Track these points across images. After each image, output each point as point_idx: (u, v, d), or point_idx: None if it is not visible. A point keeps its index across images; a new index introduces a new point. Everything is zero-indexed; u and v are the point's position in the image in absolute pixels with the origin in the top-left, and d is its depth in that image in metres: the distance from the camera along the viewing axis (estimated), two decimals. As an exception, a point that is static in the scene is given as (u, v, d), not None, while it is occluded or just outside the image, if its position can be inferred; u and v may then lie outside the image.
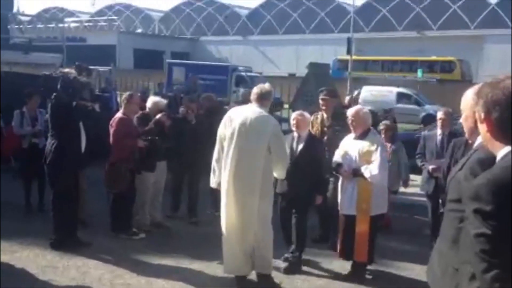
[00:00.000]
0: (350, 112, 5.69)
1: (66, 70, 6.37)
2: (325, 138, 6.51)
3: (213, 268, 5.63)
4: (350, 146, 5.64)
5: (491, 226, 1.88)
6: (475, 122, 2.20)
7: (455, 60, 36.25)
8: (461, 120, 2.55)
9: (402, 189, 7.87)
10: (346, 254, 5.62)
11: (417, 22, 45.81)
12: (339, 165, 5.69)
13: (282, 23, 52.72)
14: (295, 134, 5.96)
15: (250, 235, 5.10)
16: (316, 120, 6.73)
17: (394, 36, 45.15)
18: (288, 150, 5.66)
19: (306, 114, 6.02)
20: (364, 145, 5.50)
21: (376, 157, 5.41)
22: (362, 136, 5.58)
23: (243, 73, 29.55)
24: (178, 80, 25.24)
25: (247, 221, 5.08)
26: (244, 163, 5.03)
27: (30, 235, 6.43)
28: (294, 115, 6.01)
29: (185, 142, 7.32)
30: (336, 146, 5.92)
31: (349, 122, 5.62)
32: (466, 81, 31.21)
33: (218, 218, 5.42)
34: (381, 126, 7.57)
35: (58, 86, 6.02)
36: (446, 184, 2.64)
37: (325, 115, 6.62)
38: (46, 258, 5.76)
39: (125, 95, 6.91)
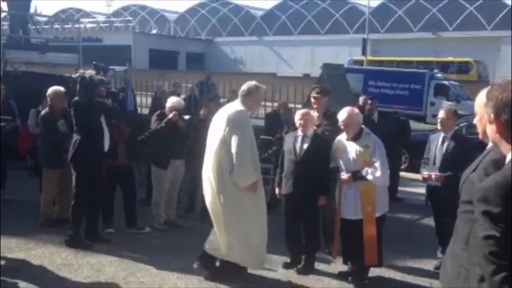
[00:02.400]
0: (341, 116, 5.43)
1: (88, 71, 6.50)
2: None
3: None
4: (344, 148, 5.43)
5: (500, 228, 1.87)
6: None
7: (471, 61, 35.91)
8: (474, 121, 2.54)
9: (405, 189, 7.81)
10: (350, 259, 5.53)
11: (433, 23, 45.44)
12: (335, 169, 5.53)
13: (297, 24, 52.63)
14: (300, 133, 5.78)
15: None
16: None
17: (410, 37, 44.83)
18: (288, 148, 5.69)
19: (312, 113, 5.90)
20: (360, 146, 5.32)
21: (376, 158, 5.25)
22: (355, 137, 5.39)
23: (445, 82, 23.85)
24: (354, 88, 21.53)
25: (215, 221, 5.31)
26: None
27: (47, 233, 6.51)
28: (299, 114, 5.80)
29: (203, 143, 7.32)
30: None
31: (342, 126, 5.44)
32: (483, 82, 30.90)
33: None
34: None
35: (77, 85, 6.27)
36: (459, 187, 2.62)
37: (316, 114, 6.27)
38: (61, 256, 5.83)
39: None
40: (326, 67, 10.42)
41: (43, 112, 7.15)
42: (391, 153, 9.19)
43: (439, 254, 5.75)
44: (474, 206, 2.12)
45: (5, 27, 17.24)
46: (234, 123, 5.11)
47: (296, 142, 5.74)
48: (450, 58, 36.91)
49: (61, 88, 7.13)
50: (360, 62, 36.06)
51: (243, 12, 56.55)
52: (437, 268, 5.51)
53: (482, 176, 2.25)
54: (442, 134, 5.92)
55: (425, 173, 5.88)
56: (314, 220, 5.80)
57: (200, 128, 7.47)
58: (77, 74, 6.47)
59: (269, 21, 54.48)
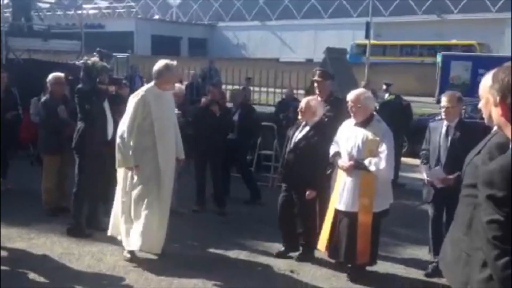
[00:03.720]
0: (350, 96, 5.04)
1: (92, 58, 6.47)
2: None
3: (230, 254, 5.66)
4: (350, 134, 5.04)
5: (504, 213, 1.86)
6: None
7: (475, 44, 35.61)
8: (480, 105, 2.50)
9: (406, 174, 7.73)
10: (340, 255, 5.14)
11: (437, 6, 45.00)
12: (336, 154, 5.19)
13: (300, 8, 52.20)
14: (303, 122, 5.57)
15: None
16: None
17: (414, 20, 44.45)
18: (289, 138, 5.63)
19: (313, 102, 5.55)
20: (368, 133, 4.92)
21: (383, 148, 4.85)
22: (364, 124, 4.99)
23: None
24: (459, 78, 20.22)
25: None
26: None
27: (48, 222, 6.52)
28: (302, 102, 5.59)
29: (206, 132, 7.30)
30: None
31: (349, 107, 5.03)
32: (487, 66, 30.63)
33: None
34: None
35: (81, 73, 6.31)
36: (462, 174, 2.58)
37: (319, 99, 5.98)
38: (63, 245, 5.85)
39: None
40: (329, 51, 10.34)
41: (43, 98, 7.14)
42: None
43: (432, 258, 5.37)
44: (477, 190, 2.10)
45: (7, 14, 17.18)
46: (128, 106, 5.30)
47: (296, 132, 5.59)
48: (454, 41, 36.64)
49: (61, 74, 7.13)
50: (363, 46, 35.82)
51: (245, -4, 56.11)
52: (428, 275, 5.29)
53: (486, 159, 2.23)
54: (445, 123, 5.24)
55: (427, 178, 5.24)
56: (307, 209, 5.56)
57: (201, 116, 7.44)
58: (81, 61, 6.45)
59: (272, 5, 54.04)
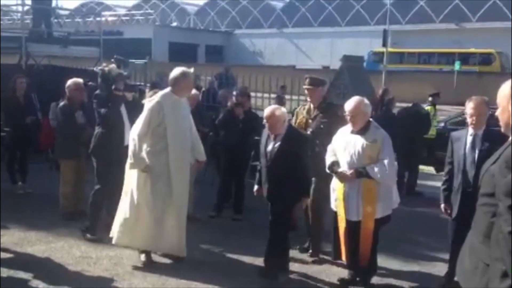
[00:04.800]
0: (348, 106, 4.87)
1: (110, 65, 6.55)
2: (309, 131, 5.81)
3: (246, 260, 5.67)
4: (348, 142, 4.89)
5: None
6: None
7: (494, 52, 35.36)
8: (497, 113, 2.49)
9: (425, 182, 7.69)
10: (354, 262, 5.07)
11: (455, 14, 44.76)
12: (334, 164, 5.01)
13: (317, 15, 52.30)
14: (272, 135, 5.24)
15: None
16: (302, 110, 6.09)
17: (432, 28, 44.24)
18: (262, 150, 5.28)
19: (277, 111, 5.14)
20: (367, 140, 4.79)
21: (384, 154, 4.75)
22: (362, 131, 4.84)
23: None
24: None
25: None
26: None
27: (66, 226, 6.58)
28: (266, 113, 5.17)
29: (232, 137, 7.35)
30: (320, 140, 5.50)
31: (348, 117, 4.88)
32: (506, 74, 30.39)
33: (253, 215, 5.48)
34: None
35: (98, 79, 6.41)
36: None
37: (311, 106, 5.91)
38: (81, 249, 5.89)
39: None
40: (346, 59, 10.33)
41: (61, 103, 7.23)
42: (410, 147, 9.20)
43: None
44: (495, 199, 2.08)
45: (27, 21, 17.44)
46: (144, 110, 5.37)
47: (268, 145, 5.24)
48: (472, 49, 36.42)
49: (80, 80, 7.21)
50: (380, 54, 35.74)
51: (263, 4, 56.34)
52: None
53: (503, 169, 2.20)
54: (470, 132, 4.79)
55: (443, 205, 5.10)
56: (279, 233, 5.23)
57: (229, 120, 7.47)
58: (99, 68, 6.54)
59: (289, 13, 54.22)
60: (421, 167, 9.86)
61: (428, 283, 5.45)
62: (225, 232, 6.74)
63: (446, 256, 5.85)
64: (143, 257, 5.50)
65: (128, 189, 5.52)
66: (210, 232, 6.72)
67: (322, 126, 5.64)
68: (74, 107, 7.06)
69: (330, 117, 5.62)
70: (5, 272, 5.20)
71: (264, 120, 5.19)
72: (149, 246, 5.51)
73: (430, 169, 10.96)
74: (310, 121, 5.86)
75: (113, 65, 6.48)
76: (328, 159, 5.07)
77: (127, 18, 55.89)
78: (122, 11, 60.44)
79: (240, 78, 16.03)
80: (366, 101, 4.96)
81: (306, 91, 5.92)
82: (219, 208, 7.50)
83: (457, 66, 32.48)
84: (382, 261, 5.78)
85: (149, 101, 5.43)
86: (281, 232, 5.23)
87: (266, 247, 5.31)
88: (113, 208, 6.28)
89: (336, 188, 5.04)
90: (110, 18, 48.61)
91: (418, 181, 9.59)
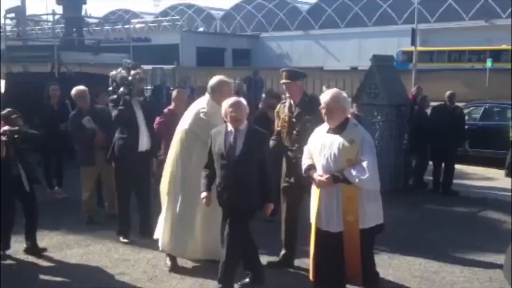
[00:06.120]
0: (324, 98, 4.30)
1: (120, 70, 6.60)
2: (294, 132, 5.27)
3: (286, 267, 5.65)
4: (323, 143, 4.27)
5: None
6: None
7: (526, 49, 34.66)
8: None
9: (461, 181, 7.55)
10: (325, 279, 4.36)
11: (485, 11, 44.00)
12: (310, 168, 4.40)
13: (344, 16, 52.04)
14: (230, 129, 4.65)
15: None
16: (283, 108, 5.47)
17: (461, 25, 43.58)
18: (218, 149, 4.64)
19: (242, 102, 4.68)
20: (344, 140, 4.17)
21: (364, 156, 4.13)
22: (339, 129, 4.24)
23: None
24: None
25: None
26: None
27: (103, 229, 6.66)
28: (227, 105, 4.63)
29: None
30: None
31: (323, 111, 4.28)
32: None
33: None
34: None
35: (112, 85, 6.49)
36: None
37: (292, 102, 5.37)
38: (118, 251, 5.96)
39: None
40: (376, 58, 10.20)
41: (72, 112, 7.33)
42: (444, 147, 9.06)
43: None
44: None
45: (58, 30, 17.77)
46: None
47: (227, 141, 4.62)
48: (503, 46, 35.76)
49: (83, 87, 7.33)
50: (409, 53, 35.38)
51: (289, 7, 56.33)
52: None
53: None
54: None
55: None
56: (236, 242, 4.75)
57: (264, 122, 7.46)
58: (112, 73, 6.63)
59: (315, 14, 54.10)
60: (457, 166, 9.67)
61: (471, 278, 5.35)
62: (259, 233, 6.69)
63: (491, 257, 5.76)
64: (168, 260, 5.49)
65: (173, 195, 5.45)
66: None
67: (308, 124, 5.00)
68: (82, 114, 7.15)
69: (314, 113, 4.85)
70: (45, 276, 5.30)
71: (230, 109, 4.57)
72: (191, 255, 5.48)
73: (466, 168, 10.81)
74: (293, 120, 5.30)
75: (121, 70, 6.52)
76: (304, 162, 4.49)
77: (155, 24, 56.51)
78: (150, 18, 61.14)
79: (268, 81, 16.08)
80: (344, 94, 4.39)
81: (283, 86, 5.41)
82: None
83: (489, 63, 31.88)
84: (421, 264, 5.72)
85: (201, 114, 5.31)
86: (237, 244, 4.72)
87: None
88: (145, 212, 6.36)
89: (313, 195, 4.41)
90: (138, 25, 49.21)
91: (454, 180, 9.42)
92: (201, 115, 5.29)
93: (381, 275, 5.36)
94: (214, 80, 5.39)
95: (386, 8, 49.66)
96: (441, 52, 39.06)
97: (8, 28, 17.44)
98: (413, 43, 33.14)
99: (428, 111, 9.94)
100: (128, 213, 6.40)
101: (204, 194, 4.75)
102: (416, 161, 9.83)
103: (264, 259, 5.65)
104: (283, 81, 5.35)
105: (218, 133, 4.69)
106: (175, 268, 5.40)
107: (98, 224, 6.90)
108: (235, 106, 4.58)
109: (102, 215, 7.21)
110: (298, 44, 52.45)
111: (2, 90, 12.41)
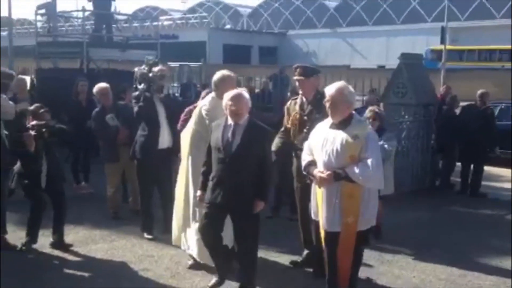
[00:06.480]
0: (329, 90, 4.17)
1: (141, 67, 6.65)
2: (305, 130, 5.08)
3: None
4: (326, 138, 4.12)
5: None
6: None
7: (559, 48, 33.85)
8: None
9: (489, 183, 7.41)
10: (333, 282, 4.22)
11: (517, 9, 43.10)
12: (310, 164, 4.26)
13: (372, 14, 51.52)
14: (230, 122, 4.48)
15: None
16: (294, 105, 5.35)
17: (492, 24, 42.73)
18: (215, 143, 4.50)
19: (243, 95, 4.50)
20: (347, 136, 4.01)
21: (367, 152, 3.98)
22: (342, 125, 4.09)
23: None
24: None
25: None
26: None
27: (127, 225, 6.73)
28: (227, 98, 4.46)
29: None
30: None
31: (327, 105, 4.16)
32: None
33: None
34: (368, 113, 6.29)
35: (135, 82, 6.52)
36: None
37: (304, 99, 5.25)
38: (142, 247, 6.01)
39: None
40: (404, 57, 10.09)
41: (95, 110, 7.39)
42: (473, 148, 8.89)
43: None
44: None
45: (87, 26, 17.99)
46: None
47: (225, 135, 4.47)
48: (536, 45, 34.95)
49: (105, 85, 7.38)
50: (438, 52, 34.86)
51: (316, 4, 56.02)
52: None
53: None
54: None
55: None
56: (252, 246, 4.60)
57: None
58: (135, 70, 6.68)
59: (343, 12, 53.68)
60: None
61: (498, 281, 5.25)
62: (285, 233, 6.69)
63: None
64: (190, 257, 5.47)
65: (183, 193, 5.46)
66: (271, 232, 6.67)
67: (317, 122, 4.76)
68: (105, 111, 7.20)
69: (324, 110, 4.63)
70: (70, 270, 5.37)
71: (230, 102, 4.41)
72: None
73: (494, 170, 10.61)
74: (305, 117, 5.15)
75: (143, 67, 6.56)
76: (304, 159, 4.36)
77: (182, 21, 56.84)
78: (177, 15, 61.51)
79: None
80: (351, 88, 4.23)
81: (296, 83, 5.29)
82: (278, 209, 7.48)
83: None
84: (447, 267, 5.63)
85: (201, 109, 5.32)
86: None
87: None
88: (168, 209, 6.39)
89: (315, 193, 4.29)
90: (166, 22, 49.59)
91: (482, 182, 9.26)
92: (203, 113, 5.23)
93: (406, 277, 5.36)
94: (217, 75, 5.27)
95: (415, 5, 49.01)
96: (471, 51, 38.42)
97: (39, 24, 17.68)
98: (442, 41, 32.63)
99: (457, 111, 9.78)
100: (151, 210, 6.45)
101: (198, 193, 4.73)
102: (443, 161, 9.69)
103: (286, 258, 5.65)
104: (296, 77, 5.24)
105: (217, 126, 4.55)
106: (198, 266, 5.42)
107: (123, 220, 6.97)
108: (235, 99, 4.42)
109: (127, 210, 7.28)
110: (325, 42, 52.15)
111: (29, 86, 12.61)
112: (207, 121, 5.10)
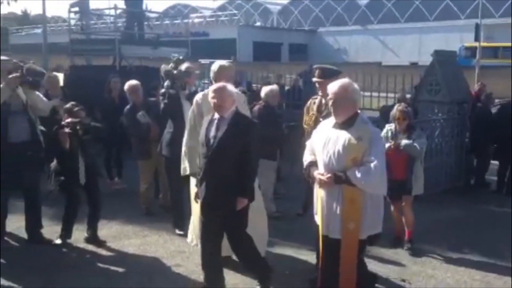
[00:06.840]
0: (332, 88, 3.96)
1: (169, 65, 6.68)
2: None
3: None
4: (328, 138, 3.92)
5: None
6: None
7: None
8: None
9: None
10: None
11: (554, 5, 41.99)
12: (311, 164, 4.08)
13: (404, 11, 50.84)
14: (216, 116, 4.38)
15: None
16: (313, 105, 5.28)
17: (528, 20, 41.72)
18: (201, 137, 4.43)
19: (226, 87, 4.36)
20: (350, 137, 3.80)
21: (370, 155, 3.75)
22: (346, 125, 3.88)
23: None
24: None
25: None
26: None
27: (159, 221, 6.78)
28: (211, 92, 4.38)
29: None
30: None
31: (329, 103, 3.97)
32: None
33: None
34: (396, 113, 6.05)
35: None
36: None
37: (323, 101, 5.07)
38: (174, 243, 6.06)
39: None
40: (438, 54, 9.92)
41: (126, 107, 7.45)
42: (509, 146, 8.67)
43: None
44: None
45: (119, 24, 18.20)
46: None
47: (209, 130, 4.36)
48: None
49: (135, 82, 7.42)
50: (473, 49, 34.22)
51: (347, 1, 55.56)
52: None
53: None
54: None
55: None
56: (244, 235, 4.52)
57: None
58: (162, 67, 6.72)
59: (374, 9, 53.10)
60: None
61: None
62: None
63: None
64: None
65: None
66: (300, 230, 6.67)
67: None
68: (136, 108, 7.26)
69: None
70: (103, 265, 5.44)
71: (212, 95, 4.32)
72: None
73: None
74: (321, 119, 4.88)
75: (171, 64, 6.58)
76: (306, 159, 4.16)
77: (213, 19, 57.06)
78: (208, 13, 61.79)
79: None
80: (356, 86, 3.99)
81: (316, 85, 5.12)
82: (307, 206, 7.43)
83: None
84: (481, 267, 5.53)
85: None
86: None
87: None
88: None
89: (316, 196, 4.10)
90: (196, 20, 49.87)
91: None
92: (194, 107, 5.22)
93: (440, 277, 5.28)
94: (215, 65, 5.25)
95: (449, 2, 48.17)
96: (506, 48, 37.54)
97: (72, 22, 17.97)
98: (476, 38, 32.01)
99: (493, 109, 9.58)
100: (181, 206, 6.45)
101: (195, 190, 4.72)
102: (476, 159, 9.50)
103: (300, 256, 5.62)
104: (315, 79, 5.09)
105: (206, 121, 4.48)
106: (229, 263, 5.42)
107: (155, 216, 7.03)
108: (217, 91, 4.30)
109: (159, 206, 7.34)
110: (356, 39, 51.68)
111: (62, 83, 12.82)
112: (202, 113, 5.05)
